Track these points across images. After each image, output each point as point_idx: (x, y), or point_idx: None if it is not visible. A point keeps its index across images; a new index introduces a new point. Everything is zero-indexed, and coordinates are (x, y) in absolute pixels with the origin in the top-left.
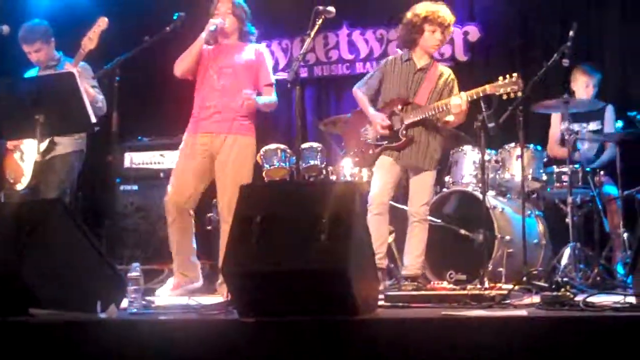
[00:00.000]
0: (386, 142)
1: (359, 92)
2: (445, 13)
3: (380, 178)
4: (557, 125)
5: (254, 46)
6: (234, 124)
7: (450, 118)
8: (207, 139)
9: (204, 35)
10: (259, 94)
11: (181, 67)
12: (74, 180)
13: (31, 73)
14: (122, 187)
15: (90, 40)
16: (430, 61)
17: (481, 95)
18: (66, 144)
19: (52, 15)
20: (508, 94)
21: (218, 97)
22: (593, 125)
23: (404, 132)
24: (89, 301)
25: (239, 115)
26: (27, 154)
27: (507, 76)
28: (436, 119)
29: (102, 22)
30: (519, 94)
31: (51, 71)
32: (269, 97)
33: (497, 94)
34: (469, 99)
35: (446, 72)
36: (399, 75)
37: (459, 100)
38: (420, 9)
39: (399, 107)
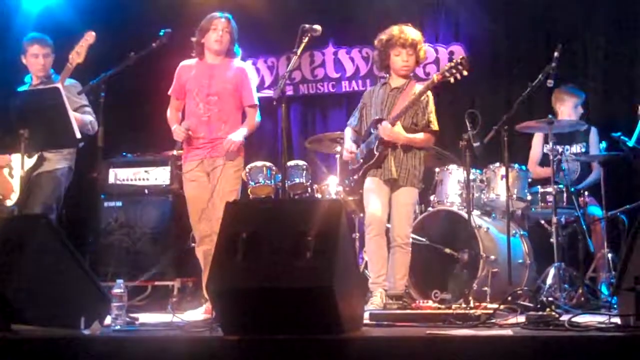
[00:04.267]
0: (363, 162)
1: (348, 127)
2: (407, 33)
3: (372, 199)
4: (537, 146)
5: (237, 65)
6: (222, 148)
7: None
8: (200, 162)
9: (175, 137)
10: (243, 113)
11: None
12: (60, 197)
13: (23, 89)
14: (106, 204)
15: (77, 55)
16: (406, 81)
17: (430, 86)
18: (54, 161)
19: (39, 30)
20: (455, 75)
21: (205, 128)
22: (576, 148)
23: (378, 147)
24: (72, 317)
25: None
26: (16, 169)
27: (453, 59)
28: (414, 132)
29: (90, 37)
30: (465, 72)
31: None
32: (250, 123)
33: (445, 79)
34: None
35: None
36: (377, 99)
37: (385, 125)
38: (383, 35)
39: (375, 125)
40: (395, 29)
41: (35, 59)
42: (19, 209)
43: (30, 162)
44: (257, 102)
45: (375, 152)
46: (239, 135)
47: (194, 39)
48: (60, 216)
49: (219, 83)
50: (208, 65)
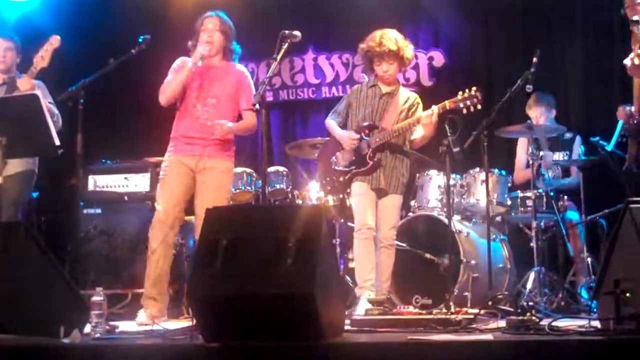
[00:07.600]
0: (354, 167)
1: (329, 120)
2: (385, 44)
3: (360, 203)
4: (522, 152)
5: (237, 69)
6: (215, 148)
7: (418, 133)
8: (189, 159)
9: (190, 65)
10: (239, 117)
11: (166, 96)
12: (25, 202)
13: None
14: (85, 211)
15: (42, 59)
16: (395, 86)
17: (441, 111)
18: (15, 164)
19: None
20: (468, 107)
21: (200, 129)
22: (559, 156)
23: (371, 155)
24: (52, 326)
25: (221, 142)
26: None
27: (467, 90)
28: (402, 142)
29: (55, 41)
30: (479, 106)
31: (4, 88)
32: (245, 122)
33: (457, 109)
34: (440, 111)
35: (412, 96)
36: (365, 101)
37: (430, 112)
38: (364, 44)
39: (366, 131)
40: (375, 38)
41: None
42: None
43: None
44: (255, 106)
45: (369, 161)
46: (229, 125)
47: (190, 43)
48: (39, 223)
49: (219, 86)
50: (207, 67)
